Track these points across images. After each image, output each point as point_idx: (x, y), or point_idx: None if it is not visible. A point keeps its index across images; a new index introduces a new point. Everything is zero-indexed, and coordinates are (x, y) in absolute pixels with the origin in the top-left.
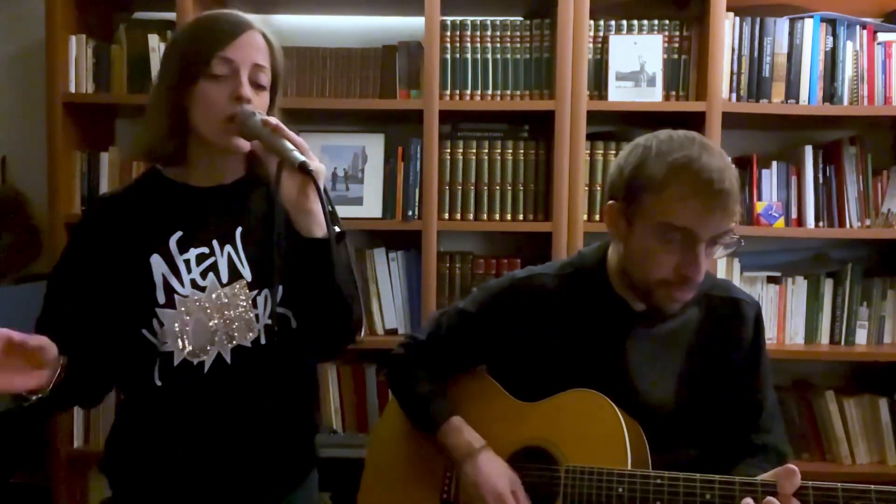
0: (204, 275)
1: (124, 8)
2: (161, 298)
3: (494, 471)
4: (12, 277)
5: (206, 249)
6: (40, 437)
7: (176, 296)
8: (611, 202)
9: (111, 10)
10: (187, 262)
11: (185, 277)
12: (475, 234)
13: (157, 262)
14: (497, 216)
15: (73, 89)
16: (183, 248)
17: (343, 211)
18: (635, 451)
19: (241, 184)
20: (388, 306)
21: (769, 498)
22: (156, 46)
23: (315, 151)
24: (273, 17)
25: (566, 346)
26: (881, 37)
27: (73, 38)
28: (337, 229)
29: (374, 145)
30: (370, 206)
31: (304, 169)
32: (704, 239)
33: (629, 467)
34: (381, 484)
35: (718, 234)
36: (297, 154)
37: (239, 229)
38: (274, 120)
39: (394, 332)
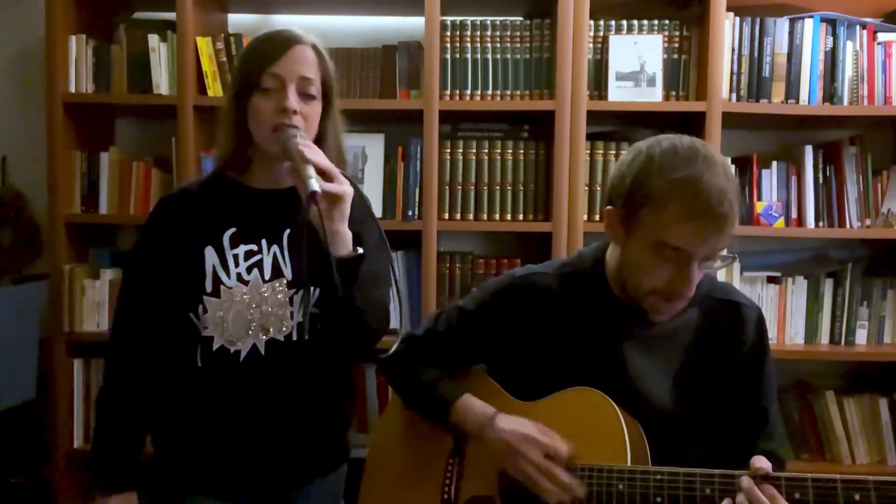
0: (249, 270)
1: (124, 8)
2: (209, 287)
3: (517, 424)
4: (12, 277)
5: (254, 247)
6: (40, 437)
7: (222, 286)
8: (610, 207)
9: (111, 10)
10: (236, 256)
11: (233, 271)
12: (475, 234)
13: (209, 253)
14: (497, 216)
15: (72, 89)
16: (234, 243)
17: None
18: (635, 448)
19: (295, 190)
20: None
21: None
22: (156, 46)
23: None
24: (273, 17)
25: (564, 346)
26: (881, 37)
27: (73, 37)
28: (360, 250)
29: (374, 145)
30: None
31: (312, 198)
32: (698, 258)
33: (629, 464)
34: (382, 484)
35: (713, 252)
36: (312, 182)
37: (287, 231)
38: (308, 147)
39: (394, 332)
